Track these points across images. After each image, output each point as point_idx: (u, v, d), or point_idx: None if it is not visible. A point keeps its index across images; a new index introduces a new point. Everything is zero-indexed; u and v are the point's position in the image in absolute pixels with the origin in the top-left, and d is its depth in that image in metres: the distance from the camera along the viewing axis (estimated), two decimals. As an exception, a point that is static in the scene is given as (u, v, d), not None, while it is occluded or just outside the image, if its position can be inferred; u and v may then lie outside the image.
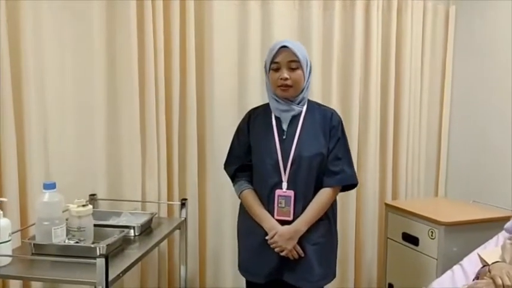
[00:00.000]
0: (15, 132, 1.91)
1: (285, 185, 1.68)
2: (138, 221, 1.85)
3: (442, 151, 2.73)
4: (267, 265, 1.71)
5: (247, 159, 1.78)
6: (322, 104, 1.87)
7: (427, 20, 2.62)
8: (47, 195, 1.53)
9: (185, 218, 2.07)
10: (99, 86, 2.06)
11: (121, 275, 1.44)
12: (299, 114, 1.72)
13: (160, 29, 2.11)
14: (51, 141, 2.02)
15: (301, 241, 1.68)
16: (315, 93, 2.39)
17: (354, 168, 1.77)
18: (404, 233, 2.28)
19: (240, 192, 1.78)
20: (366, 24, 2.47)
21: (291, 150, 1.68)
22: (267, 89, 1.75)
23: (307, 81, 1.71)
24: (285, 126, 1.72)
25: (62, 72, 2.03)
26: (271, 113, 1.74)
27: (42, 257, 1.50)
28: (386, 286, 2.44)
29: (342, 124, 1.76)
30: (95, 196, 2.07)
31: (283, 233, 1.65)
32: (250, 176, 1.78)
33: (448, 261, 1.96)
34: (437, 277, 1.90)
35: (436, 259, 2.07)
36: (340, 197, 2.49)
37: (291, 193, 1.67)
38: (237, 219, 1.87)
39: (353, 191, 2.49)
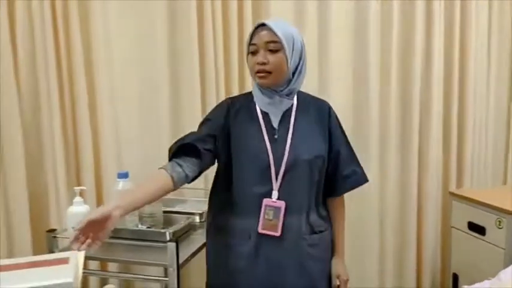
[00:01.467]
0: (90, 128, 2.06)
1: (275, 194, 1.38)
2: (203, 207, 1.93)
3: (511, 136, 2.59)
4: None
5: (204, 145, 1.36)
6: (313, 94, 1.56)
7: (494, 7, 2.49)
8: (120, 184, 1.65)
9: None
10: (162, 82, 2.16)
11: (189, 258, 1.53)
12: (290, 108, 1.44)
13: (219, 28, 2.17)
14: (122, 134, 2.16)
15: (303, 257, 1.43)
16: (373, 84, 2.37)
17: (361, 165, 1.54)
18: (469, 222, 2.21)
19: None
20: (427, 14, 2.39)
21: (284, 152, 1.39)
22: (251, 75, 1.46)
23: (297, 67, 1.39)
24: (275, 124, 1.42)
25: (129, 70, 2.16)
26: (255, 105, 1.45)
27: (118, 240, 1.62)
28: (451, 276, 2.38)
29: (338, 119, 1.52)
30: (162, 184, 2.19)
31: (347, 278, 1.52)
32: (198, 165, 1.34)
33: (517, 252, 1.89)
34: (504, 267, 1.83)
35: (504, 249, 2.00)
36: (402, 185, 2.48)
37: (281, 204, 1.38)
38: None
39: (414, 179, 2.45)
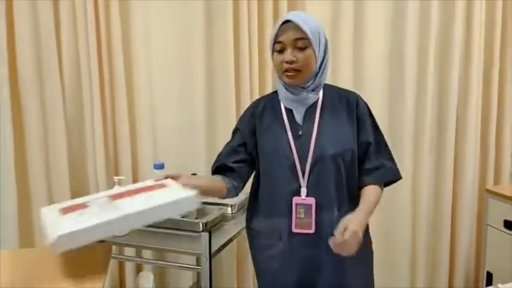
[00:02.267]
0: (128, 122, 2.14)
1: (304, 191, 1.35)
2: (235, 199, 1.96)
3: (552, 132, 2.50)
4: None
5: (237, 156, 1.44)
6: (341, 87, 1.50)
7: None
8: (156, 174, 1.71)
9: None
10: (198, 77, 2.22)
11: (221, 248, 1.58)
12: (315, 103, 1.39)
13: (255, 27, 2.19)
14: (159, 128, 2.24)
15: (334, 255, 1.31)
16: (409, 81, 2.34)
17: (394, 161, 1.46)
18: (506, 220, 2.16)
19: None
20: (467, 13, 2.32)
21: (309, 148, 1.36)
22: (275, 74, 1.43)
23: (322, 62, 1.36)
24: (299, 120, 1.39)
25: (167, 65, 2.22)
26: (279, 103, 1.42)
27: (153, 229, 1.68)
28: (485, 274, 2.34)
29: (369, 109, 1.45)
30: (196, 175, 2.25)
31: (355, 229, 1.22)
32: (238, 178, 1.43)
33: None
34: (542, 268, 1.79)
35: (542, 249, 1.95)
36: (437, 180, 2.45)
37: (312, 201, 1.35)
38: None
39: (450, 174, 2.41)
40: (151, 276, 2.10)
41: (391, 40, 2.35)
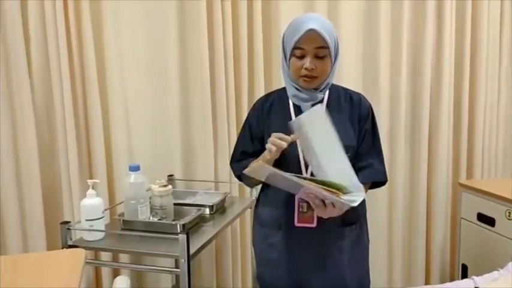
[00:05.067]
0: (102, 122, 2.08)
1: None
2: (213, 200, 1.95)
3: (522, 127, 2.58)
4: (288, 277, 1.50)
5: (255, 155, 1.49)
6: (348, 88, 1.56)
7: (505, 4, 2.46)
8: (132, 177, 1.67)
9: (256, 197, 2.15)
10: (173, 76, 2.18)
11: (200, 250, 1.56)
12: (321, 100, 1.45)
13: (229, 26, 2.18)
14: (134, 128, 2.19)
15: (330, 248, 1.47)
16: (383, 79, 2.38)
17: (383, 163, 1.50)
18: (479, 213, 2.21)
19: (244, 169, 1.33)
20: (438, 13, 2.37)
21: None
22: (284, 73, 1.47)
23: (333, 65, 1.43)
24: None
25: (141, 65, 2.17)
26: (287, 100, 1.48)
27: (130, 232, 1.65)
28: (460, 267, 2.38)
29: (372, 111, 1.50)
30: (173, 177, 2.22)
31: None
32: None
33: (527, 243, 1.89)
34: (514, 259, 1.83)
35: (514, 240, 2.00)
36: (411, 175, 2.48)
37: None
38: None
39: (424, 169, 2.45)
40: (128, 280, 2.05)
41: (364, 40, 2.37)
